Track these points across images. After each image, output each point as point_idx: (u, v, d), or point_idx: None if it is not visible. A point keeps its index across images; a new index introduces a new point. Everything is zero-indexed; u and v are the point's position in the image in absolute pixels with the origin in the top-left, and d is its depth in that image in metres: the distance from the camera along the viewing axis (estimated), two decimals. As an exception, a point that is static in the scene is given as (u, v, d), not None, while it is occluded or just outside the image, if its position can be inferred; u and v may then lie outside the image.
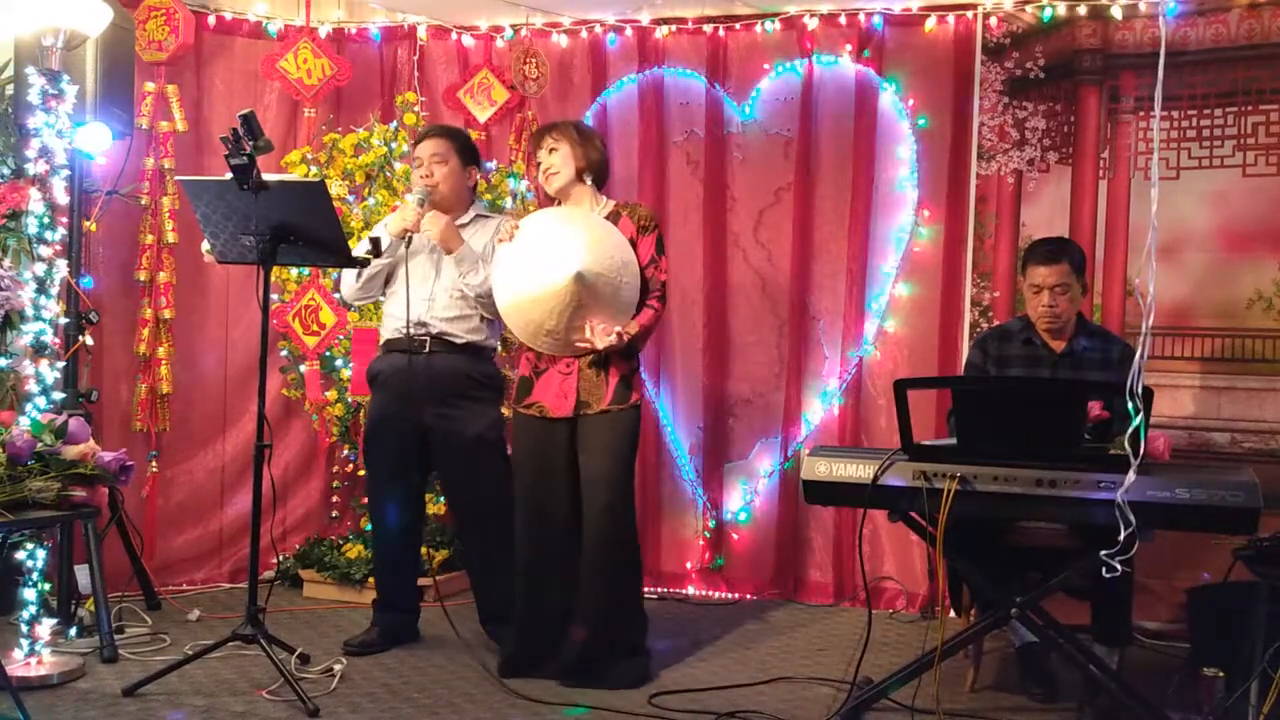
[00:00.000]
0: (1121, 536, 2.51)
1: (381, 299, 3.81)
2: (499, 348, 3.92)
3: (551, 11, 4.73)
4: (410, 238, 3.61)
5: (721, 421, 4.68)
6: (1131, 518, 2.51)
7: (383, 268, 3.67)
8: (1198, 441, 4.10)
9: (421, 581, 4.03)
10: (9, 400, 3.77)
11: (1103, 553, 2.53)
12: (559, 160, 3.46)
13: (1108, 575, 2.54)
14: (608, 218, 3.46)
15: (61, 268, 3.53)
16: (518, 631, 3.50)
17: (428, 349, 3.64)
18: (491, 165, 4.62)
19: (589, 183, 3.48)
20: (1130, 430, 2.51)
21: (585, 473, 3.41)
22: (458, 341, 3.66)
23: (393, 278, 3.71)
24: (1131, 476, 2.54)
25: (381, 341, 3.78)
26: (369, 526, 4.45)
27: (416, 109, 4.59)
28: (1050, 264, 3.44)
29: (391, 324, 3.69)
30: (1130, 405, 2.46)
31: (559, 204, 3.54)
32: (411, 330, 3.63)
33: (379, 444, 3.75)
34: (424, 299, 3.65)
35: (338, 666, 3.47)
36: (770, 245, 4.63)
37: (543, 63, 4.73)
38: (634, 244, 3.43)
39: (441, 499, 4.38)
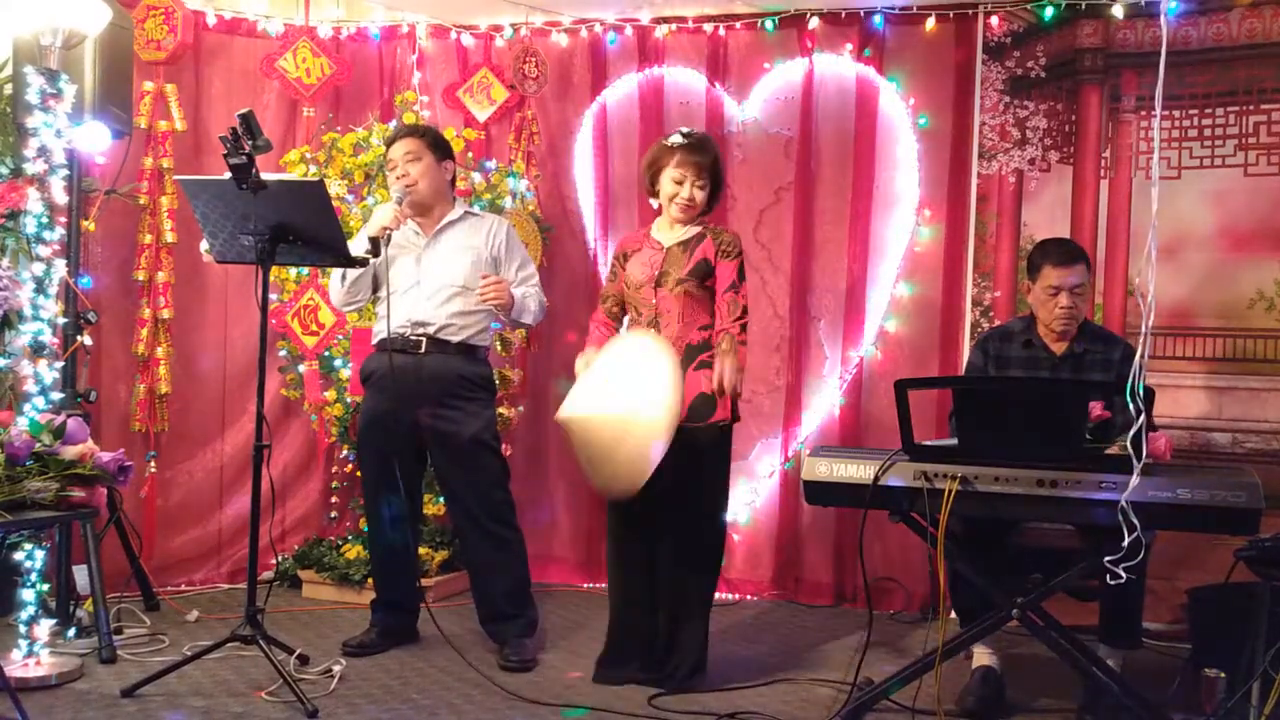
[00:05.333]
0: (1126, 541, 2.49)
1: (371, 302, 3.79)
2: (497, 347, 3.90)
3: (551, 10, 4.72)
4: (389, 236, 3.59)
5: (722, 421, 4.67)
6: (1135, 521, 2.50)
7: (366, 272, 3.66)
8: (1199, 442, 4.09)
9: (422, 582, 4.03)
10: (7, 400, 3.76)
11: (1108, 558, 2.52)
12: (701, 198, 3.45)
13: (1112, 582, 2.54)
14: (692, 239, 3.45)
15: (60, 267, 3.52)
16: (610, 634, 3.51)
17: (423, 349, 3.63)
18: (491, 165, 4.62)
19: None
20: (1132, 432, 2.50)
21: (659, 486, 3.35)
22: (454, 341, 3.64)
23: (380, 280, 3.69)
24: (1135, 479, 2.53)
25: (374, 342, 3.75)
26: (367, 527, 4.45)
27: (416, 108, 4.58)
28: (1069, 265, 3.39)
29: (382, 325, 3.66)
30: (1131, 406, 2.45)
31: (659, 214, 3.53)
32: (409, 331, 3.62)
33: (372, 445, 3.73)
34: (421, 298, 3.64)
35: (337, 667, 3.46)
36: (770, 245, 4.62)
37: (542, 62, 4.72)
38: (711, 267, 3.42)
39: (441, 499, 4.38)
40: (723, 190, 3.55)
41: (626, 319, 3.59)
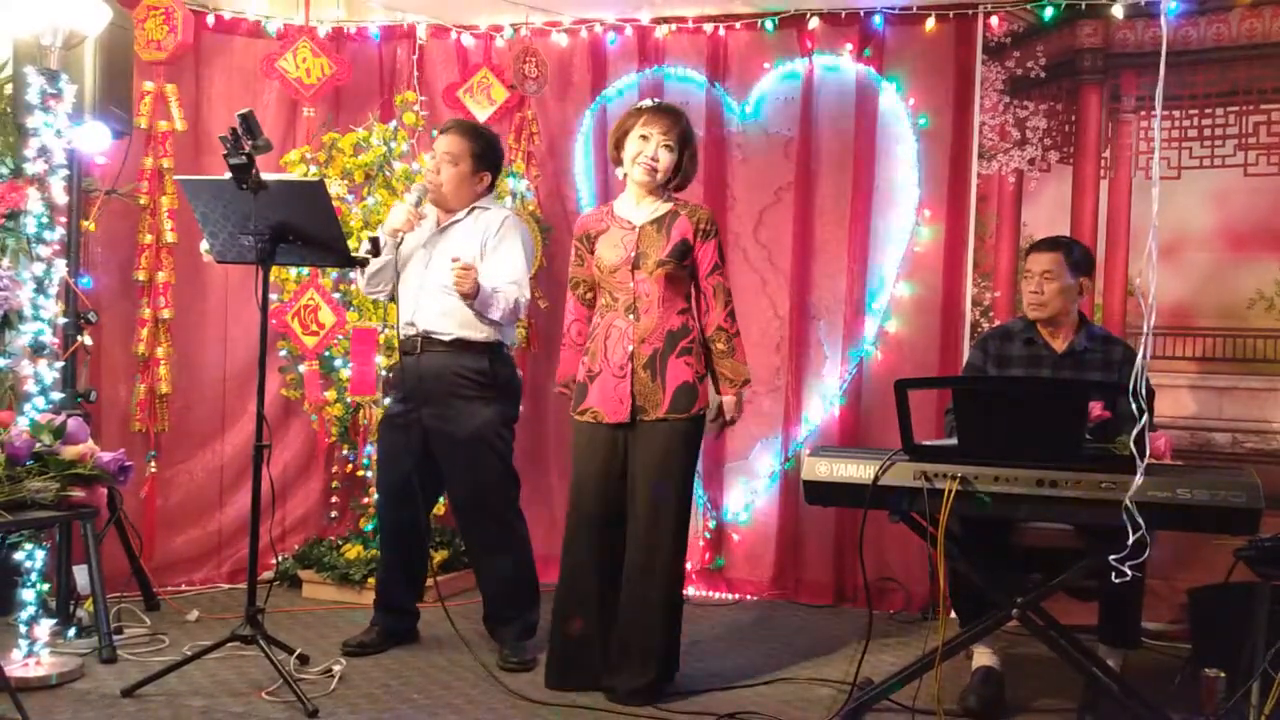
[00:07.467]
0: (1130, 540, 2.50)
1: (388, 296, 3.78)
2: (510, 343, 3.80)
3: (551, 10, 4.71)
4: (402, 238, 3.58)
5: (722, 421, 4.67)
6: (1140, 521, 2.50)
7: (388, 263, 3.63)
8: (1199, 442, 4.09)
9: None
10: (8, 400, 3.76)
11: (1112, 557, 2.53)
12: (667, 160, 3.29)
13: (1117, 580, 2.54)
14: (664, 215, 3.33)
15: (60, 267, 3.52)
16: (556, 641, 3.40)
17: (419, 349, 3.62)
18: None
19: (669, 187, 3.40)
20: (1135, 431, 2.51)
21: (633, 481, 3.29)
22: (445, 339, 3.59)
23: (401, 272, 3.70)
24: (1139, 479, 2.53)
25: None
26: (368, 527, 4.45)
27: (416, 108, 4.58)
28: (1044, 251, 3.54)
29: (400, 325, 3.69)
30: (1134, 406, 2.46)
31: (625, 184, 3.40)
32: (405, 331, 3.62)
33: (383, 446, 3.78)
34: (418, 297, 3.62)
35: (337, 667, 3.46)
36: (770, 245, 4.62)
37: (542, 62, 4.71)
38: (690, 247, 3.31)
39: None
40: (694, 169, 3.39)
41: (600, 304, 3.41)
